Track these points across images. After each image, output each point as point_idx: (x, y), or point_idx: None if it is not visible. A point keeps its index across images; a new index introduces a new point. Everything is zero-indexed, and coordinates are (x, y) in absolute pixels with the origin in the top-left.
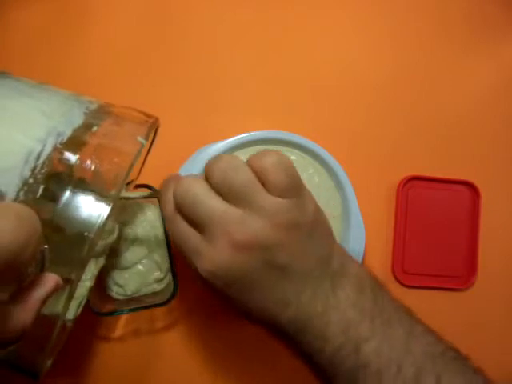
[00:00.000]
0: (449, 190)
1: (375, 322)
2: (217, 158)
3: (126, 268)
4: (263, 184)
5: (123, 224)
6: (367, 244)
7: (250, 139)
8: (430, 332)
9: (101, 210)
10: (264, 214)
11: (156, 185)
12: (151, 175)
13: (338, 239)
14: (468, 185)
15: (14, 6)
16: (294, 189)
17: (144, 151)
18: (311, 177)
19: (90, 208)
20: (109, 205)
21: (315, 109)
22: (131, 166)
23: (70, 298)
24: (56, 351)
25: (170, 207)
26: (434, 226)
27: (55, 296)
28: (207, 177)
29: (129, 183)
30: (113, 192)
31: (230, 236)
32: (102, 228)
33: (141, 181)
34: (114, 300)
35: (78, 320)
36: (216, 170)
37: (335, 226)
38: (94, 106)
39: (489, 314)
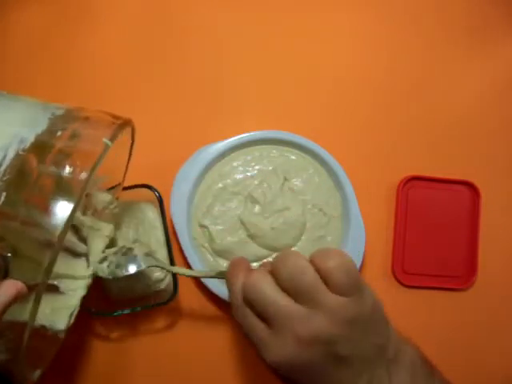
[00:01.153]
0: (449, 190)
1: None
2: (284, 257)
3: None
4: (326, 283)
5: (124, 224)
6: (367, 244)
7: (250, 139)
8: None
9: (64, 212)
10: (327, 312)
11: (155, 184)
12: (152, 175)
13: (338, 239)
14: (468, 185)
15: (15, 8)
16: (354, 287)
17: (124, 154)
18: (311, 177)
19: (54, 211)
20: (72, 207)
21: (315, 109)
22: (95, 167)
23: (37, 303)
24: (46, 362)
25: (238, 297)
26: (434, 226)
27: (23, 302)
28: (274, 273)
29: (114, 187)
30: (77, 194)
31: (296, 332)
32: (66, 229)
33: (141, 180)
34: (114, 300)
35: (77, 319)
36: (283, 272)
37: (335, 226)
38: (60, 112)
39: (489, 314)
